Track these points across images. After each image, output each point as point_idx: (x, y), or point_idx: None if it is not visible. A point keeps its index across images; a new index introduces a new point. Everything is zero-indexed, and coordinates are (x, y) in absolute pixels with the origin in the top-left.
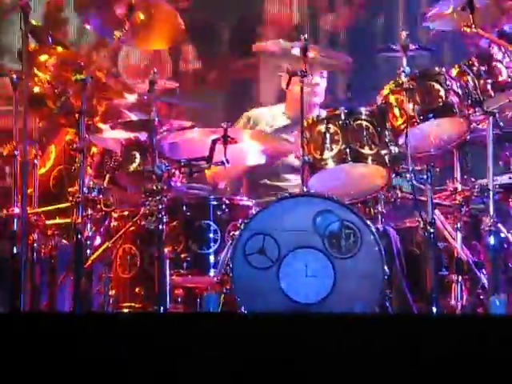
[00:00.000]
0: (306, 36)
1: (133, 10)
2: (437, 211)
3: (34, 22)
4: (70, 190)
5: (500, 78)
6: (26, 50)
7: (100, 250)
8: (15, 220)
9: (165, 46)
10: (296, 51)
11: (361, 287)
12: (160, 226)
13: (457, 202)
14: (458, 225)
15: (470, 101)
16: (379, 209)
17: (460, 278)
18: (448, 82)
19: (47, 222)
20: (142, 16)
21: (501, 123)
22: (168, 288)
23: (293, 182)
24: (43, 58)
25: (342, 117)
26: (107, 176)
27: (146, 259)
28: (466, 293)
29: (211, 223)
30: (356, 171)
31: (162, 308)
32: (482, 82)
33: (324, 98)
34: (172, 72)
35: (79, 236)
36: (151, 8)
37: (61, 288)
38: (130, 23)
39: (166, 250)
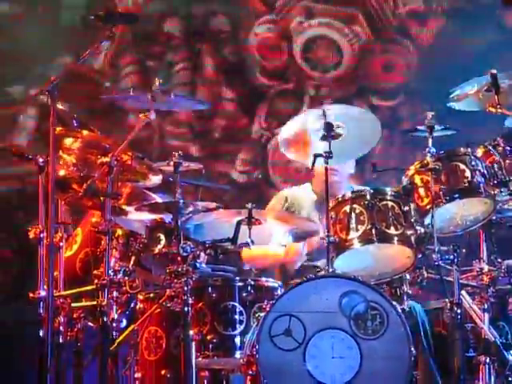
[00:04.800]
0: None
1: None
2: (463, 292)
3: (59, 106)
4: (95, 272)
5: None
6: (52, 134)
7: (126, 333)
8: (41, 303)
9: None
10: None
11: (387, 368)
12: (185, 308)
13: (483, 282)
14: (485, 305)
15: (495, 181)
16: (405, 289)
17: (488, 359)
18: (473, 163)
19: (73, 305)
20: None
21: None
22: (194, 370)
23: None
24: (68, 141)
25: (368, 197)
26: (132, 258)
27: (171, 341)
28: (494, 374)
29: (237, 305)
30: (382, 252)
31: None
32: (507, 162)
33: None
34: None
35: (105, 319)
36: None
37: (87, 371)
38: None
39: (191, 331)
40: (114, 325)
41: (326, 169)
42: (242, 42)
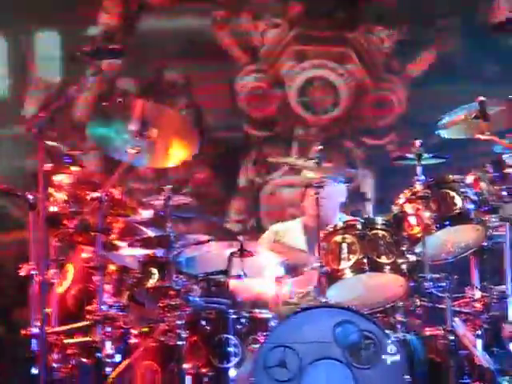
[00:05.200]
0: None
1: (146, 126)
2: (457, 319)
3: (49, 143)
4: (88, 308)
5: None
6: (41, 170)
7: (120, 368)
8: (34, 340)
9: (178, 162)
10: (310, 163)
11: None
12: (180, 342)
13: (476, 308)
14: (479, 332)
15: (485, 207)
16: (399, 318)
17: None
18: (463, 190)
19: (67, 341)
20: (155, 133)
21: None
22: None
23: None
24: (59, 177)
25: (359, 227)
26: (126, 293)
27: (166, 375)
28: None
29: (231, 337)
30: (374, 281)
31: None
32: (496, 188)
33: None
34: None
35: (99, 354)
36: (164, 124)
37: None
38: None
39: (186, 365)
40: (108, 360)
41: (317, 200)
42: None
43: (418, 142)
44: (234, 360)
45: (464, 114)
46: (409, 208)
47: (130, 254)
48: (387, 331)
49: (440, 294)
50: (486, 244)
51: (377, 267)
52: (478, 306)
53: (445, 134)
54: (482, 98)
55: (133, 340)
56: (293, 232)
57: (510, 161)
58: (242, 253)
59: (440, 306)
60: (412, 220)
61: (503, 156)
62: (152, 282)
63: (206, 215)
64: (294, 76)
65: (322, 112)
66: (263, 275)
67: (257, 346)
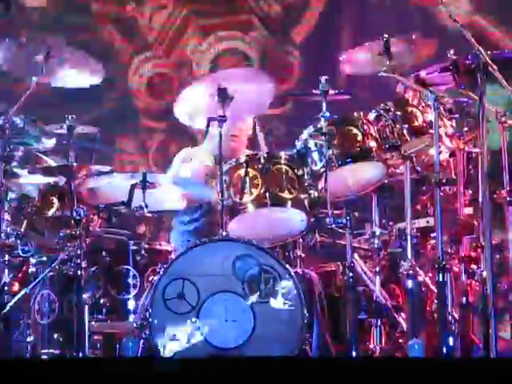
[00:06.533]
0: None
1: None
2: (356, 255)
3: None
4: None
5: (416, 123)
6: None
7: (18, 296)
8: None
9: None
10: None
11: (280, 331)
12: (79, 272)
13: (375, 245)
14: (377, 268)
15: (387, 145)
16: (298, 253)
17: (379, 321)
18: (366, 127)
19: None
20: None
21: (418, 167)
22: (87, 334)
23: None
24: None
25: (262, 161)
26: (25, 221)
27: (64, 305)
28: (384, 336)
29: (130, 268)
30: (275, 215)
31: (80, 354)
32: (398, 126)
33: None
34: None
35: None
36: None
37: None
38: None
39: (84, 295)
40: (6, 288)
41: (220, 133)
42: None
43: (323, 78)
44: (133, 291)
45: (368, 51)
46: (312, 144)
47: (30, 182)
48: (287, 266)
49: (340, 230)
50: (386, 181)
51: (278, 202)
52: (377, 242)
53: (347, 68)
54: (386, 36)
55: (31, 269)
56: (201, 154)
57: (413, 99)
58: (144, 184)
59: (340, 242)
60: (315, 156)
61: (406, 94)
62: (52, 211)
63: (110, 146)
64: (202, 52)
65: None
66: (164, 207)
67: (156, 278)
